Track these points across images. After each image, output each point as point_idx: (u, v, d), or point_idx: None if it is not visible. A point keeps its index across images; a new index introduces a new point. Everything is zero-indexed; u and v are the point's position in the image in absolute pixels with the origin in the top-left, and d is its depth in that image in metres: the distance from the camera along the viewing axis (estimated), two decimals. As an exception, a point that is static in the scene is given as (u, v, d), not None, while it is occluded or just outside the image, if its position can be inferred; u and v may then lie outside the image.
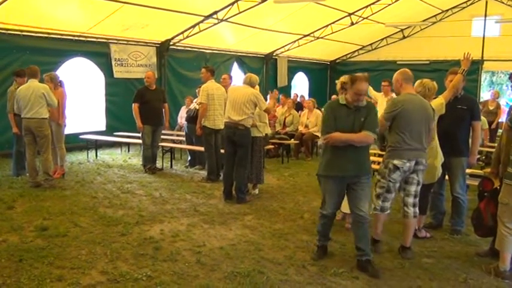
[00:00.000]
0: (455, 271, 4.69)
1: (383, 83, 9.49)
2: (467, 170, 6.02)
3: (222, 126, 8.08)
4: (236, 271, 4.51)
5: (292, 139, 11.24)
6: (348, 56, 21.10)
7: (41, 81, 7.96)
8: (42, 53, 10.75)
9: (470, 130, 5.69)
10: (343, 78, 5.66)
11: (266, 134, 8.43)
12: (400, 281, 4.44)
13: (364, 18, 15.80)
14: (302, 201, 7.24)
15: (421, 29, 19.12)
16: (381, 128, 4.97)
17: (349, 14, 15.39)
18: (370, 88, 9.42)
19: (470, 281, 4.47)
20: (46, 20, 10.46)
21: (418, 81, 5.40)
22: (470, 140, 5.74)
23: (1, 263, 4.57)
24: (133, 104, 9.15)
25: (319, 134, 11.34)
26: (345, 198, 5.81)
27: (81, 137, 11.10)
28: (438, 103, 5.25)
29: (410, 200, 4.95)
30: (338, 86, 5.52)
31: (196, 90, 9.87)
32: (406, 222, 5.01)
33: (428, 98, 5.25)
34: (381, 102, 9.48)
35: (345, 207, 5.79)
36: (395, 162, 4.81)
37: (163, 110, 9.47)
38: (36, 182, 7.76)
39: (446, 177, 5.81)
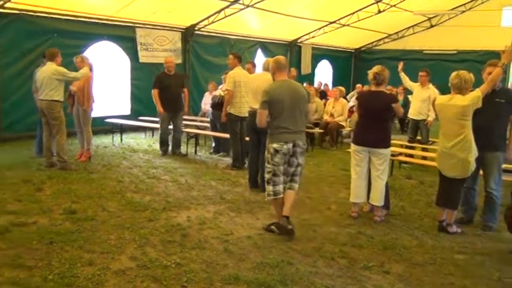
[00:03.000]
0: (488, 269, 4.59)
1: (421, 73, 9.27)
2: (503, 165, 5.86)
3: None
4: (265, 261, 4.48)
5: (317, 128, 11.13)
6: (373, 44, 20.81)
7: (64, 65, 7.99)
8: (69, 35, 10.82)
9: (508, 124, 5.53)
10: (376, 68, 5.56)
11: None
12: (432, 277, 4.36)
13: (391, 6, 15.51)
14: (328, 192, 7.17)
15: (449, 18, 18.72)
16: (260, 117, 5.18)
17: (377, 2, 15.15)
18: (406, 78, 9.28)
19: (505, 280, 4.37)
20: (74, 3, 10.50)
21: (454, 73, 5.26)
22: (508, 134, 5.57)
23: (32, 245, 4.62)
24: (152, 90, 9.23)
25: (344, 124, 11.26)
26: (372, 189, 5.80)
27: (107, 120, 11.18)
28: (474, 96, 5.09)
29: (288, 178, 5.23)
30: (371, 77, 5.42)
31: (222, 77, 9.82)
32: (287, 193, 5.21)
33: (464, 90, 5.12)
34: (417, 92, 9.29)
35: (374, 198, 5.76)
36: (274, 145, 5.08)
37: (183, 95, 9.47)
38: (50, 162, 7.86)
39: (481, 172, 5.66)
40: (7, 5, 9.56)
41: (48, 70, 7.61)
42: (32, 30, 10.27)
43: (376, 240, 5.17)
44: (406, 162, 8.72)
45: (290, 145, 5.06)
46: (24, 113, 10.19)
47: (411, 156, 8.96)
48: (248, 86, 8.16)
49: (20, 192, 6.37)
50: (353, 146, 5.85)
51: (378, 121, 5.61)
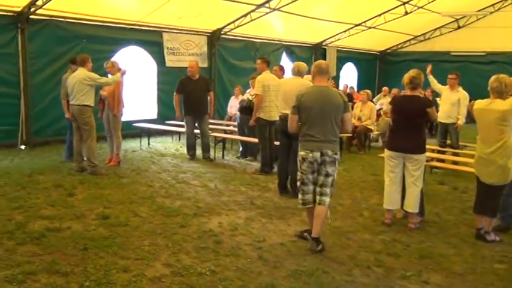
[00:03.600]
0: (531, 279, 4.44)
1: (450, 76, 9.08)
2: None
3: (277, 118, 8.00)
4: (300, 269, 4.42)
5: (345, 132, 10.98)
6: (399, 46, 20.54)
7: (93, 70, 8.08)
8: (98, 41, 10.95)
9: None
10: (413, 72, 5.45)
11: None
12: (472, 288, 4.24)
13: (419, 8, 15.28)
14: (360, 198, 7.07)
15: (477, 19, 18.32)
16: (290, 122, 5.13)
17: (404, 3, 14.93)
18: (434, 81, 9.10)
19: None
20: (102, 8, 10.62)
21: (493, 77, 5.11)
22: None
23: (68, 251, 4.64)
24: (174, 93, 9.35)
25: (372, 127, 11.12)
26: (406, 195, 5.68)
27: (135, 125, 11.26)
28: (515, 101, 4.95)
29: (318, 189, 4.96)
30: (406, 81, 5.31)
31: (250, 82, 9.80)
32: (316, 209, 4.96)
33: (505, 94, 4.98)
34: (446, 95, 9.10)
35: (408, 205, 5.64)
36: (302, 153, 4.94)
37: (209, 99, 9.51)
38: (80, 166, 7.95)
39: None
40: (38, 11, 9.70)
41: (79, 75, 7.70)
42: (62, 36, 10.43)
43: (412, 248, 5.06)
44: (437, 167, 8.55)
45: (317, 154, 4.84)
46: (53, 118, 10.35)
47: (442, 161, 8.78)
48: (277, 90, 8.13)
49: (53, 197, 6.44)
50: (387, 152, 5.73)
51: (412, 126, 5.49)
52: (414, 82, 5.47)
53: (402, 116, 5.56)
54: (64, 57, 10.34)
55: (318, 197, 4.94)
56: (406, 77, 5.50)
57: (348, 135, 10.89)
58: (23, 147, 9.96)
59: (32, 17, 9.81)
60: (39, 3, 9.39)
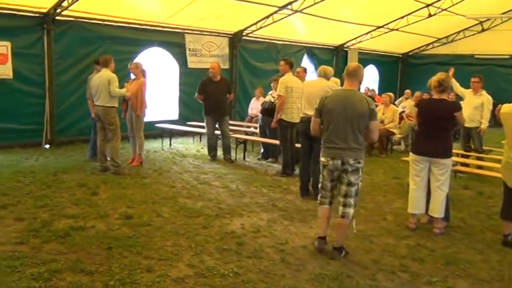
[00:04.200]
0: (561, 288, 4.34)
1: (473, 79, 8.94)
2: None
3: (298, 120, 7.98)
4: (323, 273, 4.38)
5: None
6: (422, 48, 20.29)
7: (116, 70, 8.17)
8: (121, 42, 11.06)
9: None
10: (441, 75, 5.38)
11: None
12: (500, 295, 4.16)
13: (442, 10, 15.08)
14: (382, 202, 6.99)
15: (502, 22, 18.01)
16: (312, 124, 4.96)
17: (427, 5, 14.74)
18: (457, 84, 8.94)
19: None
20: (126, 10, 10.72)
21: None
22: None
23: (92, 250, 4.69)
24: (195, 94, 9.47)
25: (395, 130, 11.01)
26: (432, 200, 5.60)
27: (157, 125, 11.35)
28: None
29: (341, 199, 4.75)
30: (434, 84, 5.23)
31: (272, 84, 9.78)
32: (337, 221, 4.81)
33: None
34: (469, 99, 8.94)
35: (434, 210, 5.57)
36: (322, 159, 4.79)
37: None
38: (104, 166, 8.03)
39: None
40: (63, 12, 9.84)
41: (103, 77, 7.78)
42: (86, 37, 10.55)
43: (437, 254, 4.99)
44: (462, 172, 8.42)
45: (338, 162, 4.62)
46: (77, 117, 10.50)
47: (466, 165, 8.65)
48: (299, 92, 8.11)
49: (77, 196, 6.52)
50: (412, 156, 5.66)
51: (439, 130, 5.41)
52: (443, 85, 5.38)
53: (429, 119, 5.48)
54: (88, 58, 10.47)
55: (340, 208, 4.71)
56: (434, 80, 5.42)
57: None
58: (47, 146, 10.10)
59: (57, 18, 9.94)
60: (64, 4, 9.52)
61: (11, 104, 9.59)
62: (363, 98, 4.68)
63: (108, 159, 8.09)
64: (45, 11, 9.74)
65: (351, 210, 4.71)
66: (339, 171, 4.67)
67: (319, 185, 4.95)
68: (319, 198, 4.94)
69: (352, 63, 5.17)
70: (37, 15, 9.79)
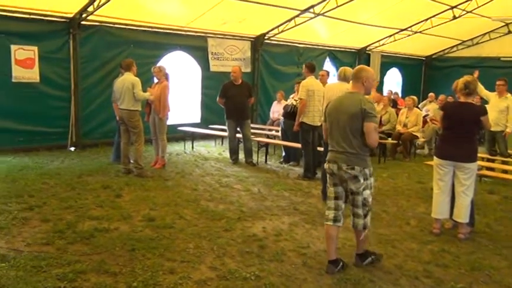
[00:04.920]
0: None
1: (498, 82, 8.81)
2: None
3: (320, 123, 7.96)
4: (346, 277, 4.36)
5: (389, 138, 10.81)
6: (446, 51, 19.97)
7: (139, 74, 8.31)
8: (145, 46, 11.22)
9: None
10: (468, 77, 5.29)
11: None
12: (527, 303, 4.07)
13: (467, 12, 14.84)
14: (405, 206, 6.91)
15: (530, 24, 17.65)
16: (323, 129, 4.79)
17: (452, 7, 14.53)
18: (481, 87, 8.79)
19: None
20: (150, 14, 10.85)
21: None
22: None
23: (116, 251, 4.75)
24: (217, 98, 9.55)
25: (418, 134, 10.88)
26: (456, 205, 5.52)
27: (180, 128, 11.44)
28: None
29: (351, 207, 4.52)
30: (461, 86, 5.16)
31: (295, 87, 9.78)
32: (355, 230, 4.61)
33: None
34: (494, 102, 8.81)
35: (458, 215, 5.48)
36: (325, 164, 4.60)
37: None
38: (127, 168, 8.13)
39: None
40: (89, 17, 10.02)
41: (127, 80, 7.88)
42: (111, 41, 10.73)
43: (462, 260, 4.91)
44: (487, 176, 8.27)
45: (334, 166, 4.39)
46: (102, 120, 10.68)
47: (492, 169, 8.49)
48: (321, 95, 8.09)
49: (101, 198, 6.61)
50: (436, 160, 5.58)
51: (464, 134, 5.33)
52: (469, 88, 5.30)
53: (454, 123, 5.39)
54: (112, 62, 10.66)
55: (351, 217, 4.51)
56: (461, 83, 5.34)
57: (393, 141, 10.71)
58: (72, 148, 10.28)
59: (83, 23, 10.14)
60: (90, 9, 9.69)
61: (37, 107, 9.82)
62: (357, 99, 4.31)
63: (132, 161, 8.19)
64: (71, 16, 9.94)
65: (359, 221, 4.44)
66: (338, 177, 4.41)
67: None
68: (325, 211, 4.63)
69: (361, 65, 4.88)
70: (63, 20, 9.99)
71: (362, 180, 4.33)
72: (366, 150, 4.38)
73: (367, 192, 4.40)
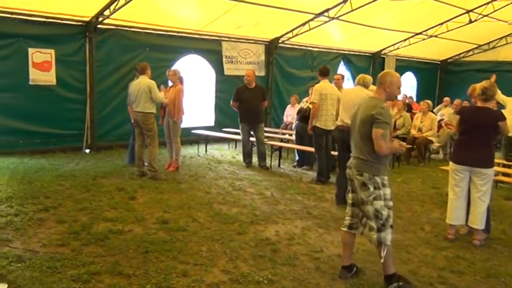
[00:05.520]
0: None
1: None
2: None
3: (333, 127, 7.94)
4: (359, 282, 4.34)
5: (404, 143, 10.69)
6: (461, 55, 19.79)
7: (154, 77, 8.37)
8: (160, 49, 11.30)
9: None
10: (486, 83, 5.24)
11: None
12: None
13: (484, 16, 14.69)
14: (420, 211, 6.85)
15: (547, 27, 17.41)
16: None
17: (468, 11, 14.40)
18: (498, 92, 8.68)
19: None
20: (165, 18, 10.94)
21: None
22: None
23: (129, 253, 4.78)
24: (231, 102, 9.59)
25: (433, 139, 10.79)
26: (472, 211, 5.46)
27: (194, 131, 11.50)
28: None
29: (367, 221, 4.27)
30: (478, 91, 5.10)
31: (310, 91, 9.78)
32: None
33: None
34: (510, 108, 8.69)
35: (474, 221, 5.43)
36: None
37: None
38: (141, 171, 8.18)
39: None
40: (105, 21, 10.13)
41: (142, 83, 7.95)
42: (126, 45, 10.84)
43: (477, 266, 4.85)
44: (503, 182, 8.17)
45: (350, 172, 4.33)
46: (117, 123, 10.77)
47: (508, 175, 8.39)
48: (334, 99, 8.08)
49: (115, 200, 6.66)
50: (452, 165, 5.53)
51: (481, 139, 5.27)
52: (487, 93, 5.25)
53: (471, 128, 5.33)
54: (128, 65, 10.76)
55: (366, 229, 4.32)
56: (478, 88, 5.29)
57: (407, 146, 10.61)
58: (87, 151, 10.38)
59: (99, 26, 10.26)
60: (106, 13, 9.80)
61: (54, 109, 9.95)
62: (372, 105, 4.19)
63: (146, 164, 8.24)
64: (87, 19, 10.06)
65: (372, 235, 4.16)
66: (353, 183, 4.31)
67: None
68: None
69: (386, 70, 4.87)
70: (79, 23, 10.12)
71: (372, 189, 4.14)
72: (378, 158, 4.15)
73: (379, 203, 4.13)
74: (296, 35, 13.39)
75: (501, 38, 18.36)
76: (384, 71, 4.51)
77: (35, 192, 6.85)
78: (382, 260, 4.17)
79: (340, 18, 12.56)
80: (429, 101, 11.40)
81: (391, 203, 4.22)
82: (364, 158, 4.20)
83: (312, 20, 12.65)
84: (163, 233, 5.41)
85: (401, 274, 4.36)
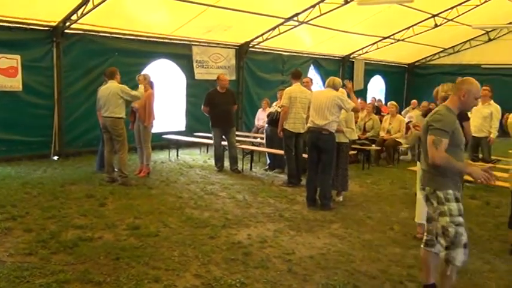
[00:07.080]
0: None
1: (482, 89, 8.95)
2: None
3: (303, 130, 8.04)
4: (330, 283, 4.38)
5: (373, 145, 10.91)
6: (428, 59, 20.32)
7: (124, 82, 8.32)
8: (129, 54, 11.18)
9: None
10: (447, 85, 5.37)
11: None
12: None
13: (448, 20, 15.11)
14: (389, 212, 6.97)
15: (509, 31, 18.00)
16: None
17: (433, 16, 14.78)
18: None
19: None
20: (134, 23, 10.85)
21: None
22: None
23: (100, 260, 4.71)
24: (202, 106, 9.57)
25: (401, 140, 10.99)
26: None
27: (164, 136, 11.42)
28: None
29: (438, 236, 3.99)
30: (442, 94, 5.23)
31: (278, 95, 9.84)
32: None
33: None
34: (478, 109, 8.86)
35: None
36: None
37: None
38: (111, 177, 8.08)
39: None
40: (72, 26, 9.98)
41: (112, 88, 7.86)
42: (95, 50, 10.68)
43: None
44: (469, 182, 8.37)
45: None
46: (85, 129, 10.61)
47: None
48: (305, 102, 8.17)
49: (85, 207, 6.56)
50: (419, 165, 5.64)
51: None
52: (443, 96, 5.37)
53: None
54: (96, 70, 10.61)
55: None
56: (440, 90, 5.42)
57: (376, 147, 10.81)
58: (55, 158, 10.17)
59: (66, 31, 10.08)
60: (73, 18, 9.66)
61: (20, 116, 9.70)
62: (433, 112, 4.04)
63: (116, 170, 8.15)
64: (54, 24, 9.88)
65: (442, 251, 3.85)
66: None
67: None
68: None
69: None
70: (46, 28, 9.94)
71: (435, 204, 3.85)
72: (440, 170, 3.81)
73: (444, 220, 3.79)
74: (266, 39, 13.48)
75: (465, 42, 18.96)
76: (463, 78, 4.04)
77: (1, 200, 6.67)
78: (447, 272, 3.88)
79: (309, 22, 12.73)
80: (395, 104, 11.59)
81: (459, 219, 3.82)
82: (426, 169, 3.98)
83: (281, 24, 12.77)
84: (134, 239, 5.35)
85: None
